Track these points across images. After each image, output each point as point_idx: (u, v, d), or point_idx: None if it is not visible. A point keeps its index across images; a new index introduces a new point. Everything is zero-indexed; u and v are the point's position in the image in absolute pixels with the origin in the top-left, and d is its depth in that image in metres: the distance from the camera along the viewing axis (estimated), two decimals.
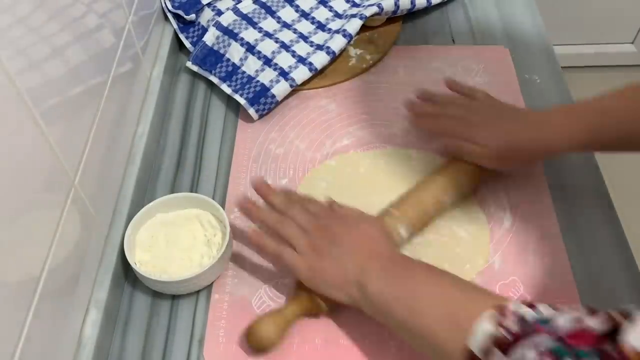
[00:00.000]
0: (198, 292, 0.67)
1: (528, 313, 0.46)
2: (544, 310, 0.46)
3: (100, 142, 0.64)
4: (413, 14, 0.96)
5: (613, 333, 0.40)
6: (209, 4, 0.92)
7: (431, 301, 0.54)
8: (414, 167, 0.76)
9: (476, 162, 0.70)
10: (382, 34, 0.93)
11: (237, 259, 0.69)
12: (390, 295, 0.56)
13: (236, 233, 0.71)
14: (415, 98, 0.79)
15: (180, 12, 0.90)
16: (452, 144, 0.72)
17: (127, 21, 0.74)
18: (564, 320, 0.44)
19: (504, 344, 0.45)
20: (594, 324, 0.42)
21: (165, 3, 0.91)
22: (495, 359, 0.44)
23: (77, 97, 0.60)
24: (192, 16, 0.91)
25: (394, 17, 0.94)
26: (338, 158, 0.78)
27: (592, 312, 0.43)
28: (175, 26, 0.91)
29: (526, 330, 0.44)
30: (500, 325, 0.46)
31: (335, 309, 0.63)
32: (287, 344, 0.62)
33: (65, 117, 0.57)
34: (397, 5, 0.91)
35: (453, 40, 0.94)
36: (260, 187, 0.67)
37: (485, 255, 0.68)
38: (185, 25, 0.92)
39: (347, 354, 0.62)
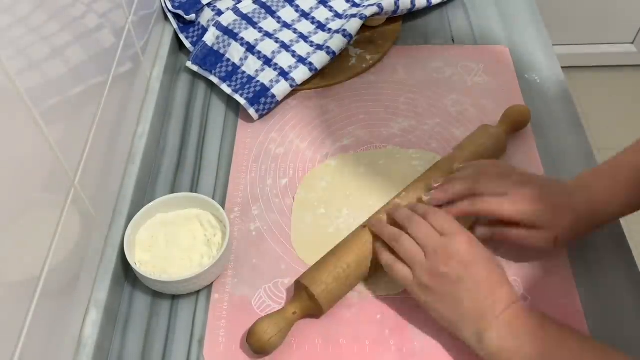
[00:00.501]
0: (198, 292, 0.67)
1: None
2: None
3: (100, 142, 0.64)
4: (413, 14, 0.96)
5: None
6: (209, 4, 0.92)
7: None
8: (414, 167, 0.76)
9: (526, 245, 0.65)
10: (382, 34, 0.93)
11: (237, 259, 0.69)
12: (513, 354, 0.54)
13: (237, 233, 0.71)
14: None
15: (180, 12, 0.90)
16: (495, 232, 0.66)
17: (127, 21, 0.74)
18: None
19: None
20: None
21: (165, 3, 0.91)
22: None
23: (77, 97, 0.60)
24: (192, 16, 0.91)
25: (394, 17, 0.94)
26: (338, 158, 0.78)
27: None
28: (175, 26, 0.91)
29: None
30: None
31: (332, 306, 0.63)
32: (287, 344, 0.62)
33: (65, 117, 0.57)
34: (397, 5, 0.91)
35: (453, 40, 0.94)
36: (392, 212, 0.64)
37: None
38: (185, 25, 0.92)
39: (347, 354, 0.62)
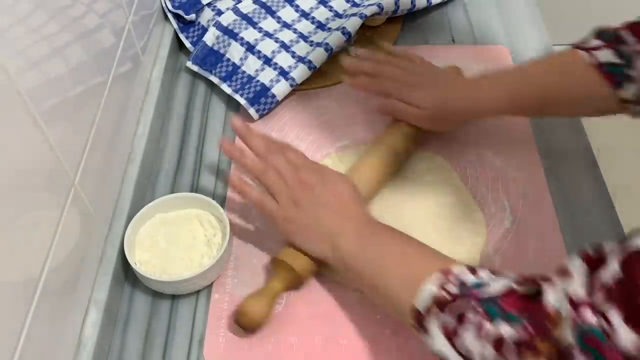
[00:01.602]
0: (198, 292, 0.67)
1: (469, 278, 0.50)
2: (485, 275, 0.50)
3: (100, 142, 0.64)
4: (413, 14, 0.96)
5: (537, 295, 0.45)
6: (209, 4, 0.92)
7: (394, 262, 0.57)
8: (410, 163, 0.76)
9: (411, 122, 0.74)
10: (382, 34, 0.93)
11: (237, 259, 0.69)
12: (361, 256, 0.59)
13: (237, 233, 0.71)
14: (352, 57, 0.81)
15: (180, 12, 0.90)
16: (388, 105, 0.75)
17: (127, 21, 0.74)
18: (498, 286, 0.48)
19: (442, 304, 0.49)
20: (522, 288, 0.46)
21: (165, 3, 0.91)
22: (433, 316, 0.50)
23: (77, 97, 0.60)
24: (192, 16, 0.91)
25: (394, 17, 0.94)
26: (332, 157, 0.78)
27: (523, 277, 0.48)
28: (175, 26, 0.91)
29: (464, 292, 0.49)
30: (442, 287, 0.50)
31: (312, 274, 0.65)
32: (287, 344, 0.62)
33: (65, 117, 0.57)
34: (397, 5, 0.91)
35: (453, 40, 0.94)
36: (240, 128, 0.70)
37: (482, 253, 0.68)
38: (185, 25, 0.92)
39: (347, 354, 0.62)
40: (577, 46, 0.67)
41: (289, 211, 0.64)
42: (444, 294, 0.50)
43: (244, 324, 0.61)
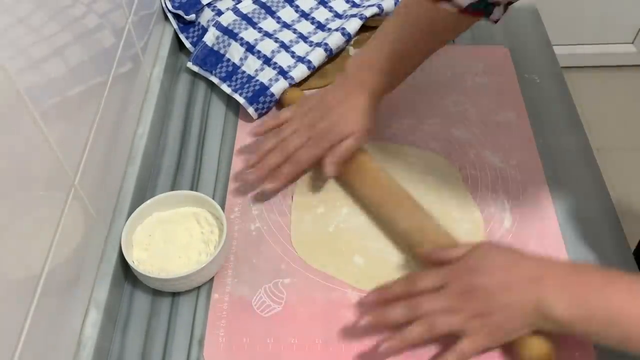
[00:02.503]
0: (198, 292, 0.67)
1: None
2: None
3: (100, 142, 0.64)
4: None
5: None
6: (209, 4, 0.92)
7: (630, 308, 0.52)
8: (410, 164, 0.76)
9: (356, 149, 0.72)
10: None
11: (237, 259, 0.69)
12: (581, 315, 0.53)
13: (237, 233, 0.71)
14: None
15: (180, 12, 0.90)
16: (336, 164, 0.71)
17: (127, 21, 0.74)
18: None
19: None
20: None
21: (165, 3, 0.91)
22: None
23: (77, 97, 0.60)
24: (192, 16, 0.91)
25: None
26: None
27: None
28: (175, 26, 0.91)
29: None
30: None
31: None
32: (287, 344, 0.62)
33: (65, 117, 0.57)
34: (397, 5, 0.91)
35: (453, 40, 0.94)
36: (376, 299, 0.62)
37: None
38: (185, 25, 0.92)
39: (347, 354, 0.62)
40: None
41: (480, 328, 0.56)
42: None
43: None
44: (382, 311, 0.60)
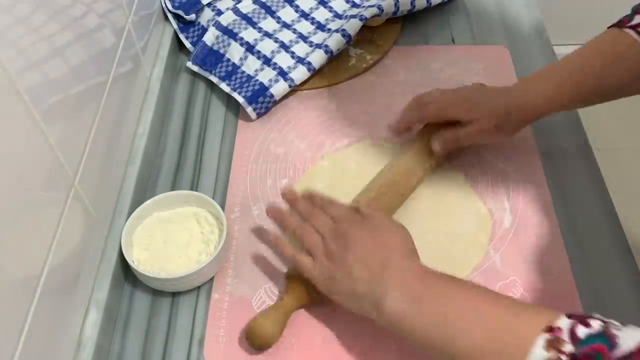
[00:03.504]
0: (198, 292, 0.67)
1: (581, 331, 0.43)
2: (596, 325, 0.43)
3: (100, 142, 0.64)
4: (413, 14, 0.96)
5: None
6: (209, 4, 0.92)
7: (468, 325, 0.49)
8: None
9: (475, 140, 0.72)
10: (382, 34, 0.93)
11: (237, 259, 0.69)
12: (417, 320, 0.52)
13: (237, 233, 0.71)
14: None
15: (180, 12, 0.90)
16: (448, 137, 0.71)
17: (127, 21, 0.74)
18: (632, 342, 0.41)
19: None
20: None
21: (165, 3, 0.91)
22: None
23: (77, 97, 0.60)
24: (192, 16, 0.91)
25: (394, 17, 0.94)
26: (330, 157, 0.78)
27: None
28: (175, 26, 0.91)
29: (585, 352, 0.42)
30: (554, 348, 0.43)
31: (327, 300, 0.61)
32: (287, 344, 0.62)
33: (65, 117, 0.57)
34: (397, 6, 0.91)
35: (453, 40, 0.94)
36: (286, 194, 0.66)
37: (484, 250, 0.68)
38: (185, 25, 0.92)
39: (347, 354, 0.62)
40: (619, 26, 0.65)
41: (324, 268, 0.58)
42: (560, 356, 0.42)
43: (254, 344, 0.60)
44: (282, 219, 0.65)
